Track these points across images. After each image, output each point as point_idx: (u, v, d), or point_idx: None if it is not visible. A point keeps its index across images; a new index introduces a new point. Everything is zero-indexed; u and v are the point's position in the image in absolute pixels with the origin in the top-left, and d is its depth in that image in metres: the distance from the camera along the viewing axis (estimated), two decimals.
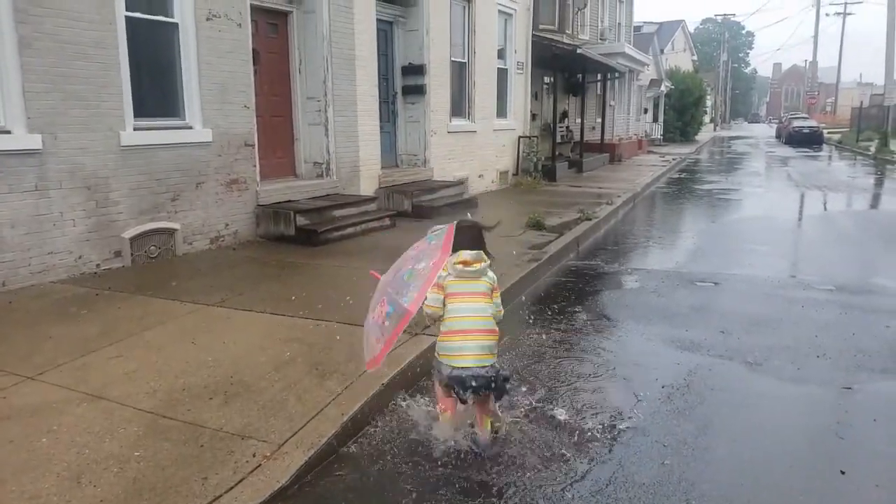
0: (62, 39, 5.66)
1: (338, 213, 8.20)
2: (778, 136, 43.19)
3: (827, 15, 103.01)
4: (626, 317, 5.44)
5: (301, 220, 7.60)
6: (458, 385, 3.03)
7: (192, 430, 3.14)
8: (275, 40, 8.55)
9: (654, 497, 2.84)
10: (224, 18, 7.17)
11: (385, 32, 10.67)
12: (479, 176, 13.12)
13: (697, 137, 39.71)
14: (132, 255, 6.42)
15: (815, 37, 60.60)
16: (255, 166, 7.73)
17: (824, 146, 34.76)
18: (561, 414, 3.57)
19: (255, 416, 3.28)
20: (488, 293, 3.11)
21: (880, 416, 3.63)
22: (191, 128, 6.99)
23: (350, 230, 7.96)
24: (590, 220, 9.44)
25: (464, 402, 3.13)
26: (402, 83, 11.11)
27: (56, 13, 5.59)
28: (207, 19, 6.98)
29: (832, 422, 3.60)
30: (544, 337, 4.88)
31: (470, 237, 3.12)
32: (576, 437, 3.33)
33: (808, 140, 35.15)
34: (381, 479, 2.97)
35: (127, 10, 6.28)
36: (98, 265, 6.14)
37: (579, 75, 19.11)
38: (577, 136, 19.36)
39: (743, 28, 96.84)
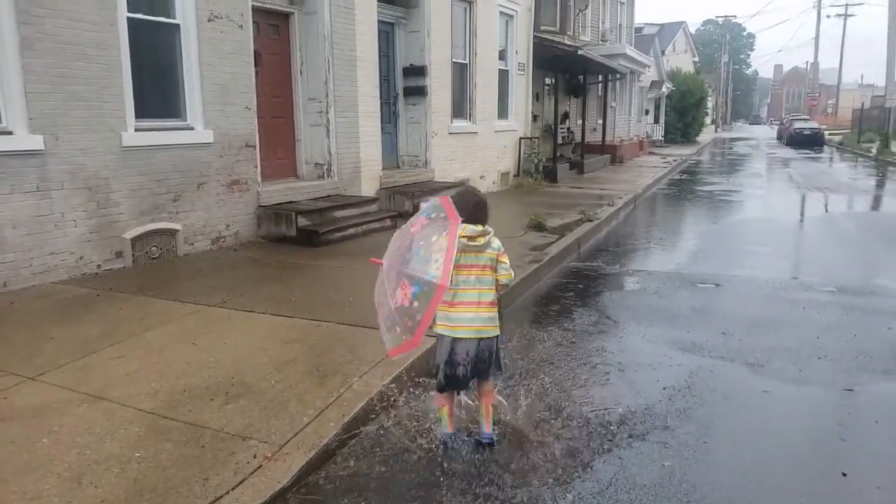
0: (63, 40, 5.67)
1: (339, 214, 8.20)
2: (779, 138, 43.16)
3: (828, 17, 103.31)
4: (628, 318, 5.44)
5: (302, 221, 7.60)
6: (459, 352, 3.07)
7: (193, 430, 3.15)
8: (276, 41, 8.56)
9: (655, 499, 2.84)
10: (225, 19, 7.18)
11: (386, 34, 10.68)
12: (481, 177, 13.11)
13: (699, 139, 39.69)
14: (133, 255, 6.42)
15: (816, 38, 60.71)
16: (256, 167, 7.73)
17: (825, 148, 34.72)
18: (561, 414, 3.57)
19: (256, 416, 3.28)
20: (491, 265, 3.14)
21: (882, 418, 3.62)
22: (192, 129, 7.00)
23: (351, 231, 7.96)
24: (591, 221, 9.43)
25: (464, 386, 3.18)
26: (403, 84, 11.11)
27: (57, 14, 5.60)
28: (209, 20, 6.99)
29: (834, 423, 3.59)
30: (545, 338, 4.88)
31: (472, 206, 3.10)
32: (576, 438, 3.33)
33: (809, 141, 35.11)
34: (381, 480, 2.97)
35: (128, 11, 6.29)
36: (99, 266, 6.14)
37: (580, 76, 19.08)
38: (578, 138, 19.37)
39: (744, 30, 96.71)
